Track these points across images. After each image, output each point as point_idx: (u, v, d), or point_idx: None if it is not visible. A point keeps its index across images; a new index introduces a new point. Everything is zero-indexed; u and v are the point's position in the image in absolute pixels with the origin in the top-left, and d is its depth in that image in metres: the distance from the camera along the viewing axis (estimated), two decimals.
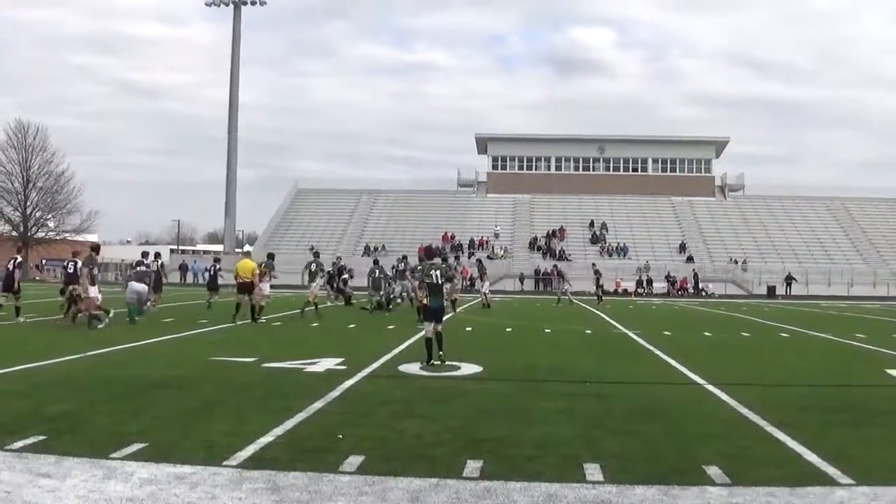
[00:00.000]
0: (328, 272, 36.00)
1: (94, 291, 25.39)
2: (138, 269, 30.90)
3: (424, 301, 18.08)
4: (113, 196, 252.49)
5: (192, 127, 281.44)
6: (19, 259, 30.02)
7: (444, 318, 18.57)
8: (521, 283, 78.72)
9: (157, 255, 36.79)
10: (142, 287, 29.39)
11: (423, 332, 18.46)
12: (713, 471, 8.55)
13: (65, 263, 29.61)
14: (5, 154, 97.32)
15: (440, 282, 18.06)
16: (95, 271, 26.31)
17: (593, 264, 61.96)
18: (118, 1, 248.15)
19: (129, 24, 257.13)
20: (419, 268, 18.99)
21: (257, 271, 31.09)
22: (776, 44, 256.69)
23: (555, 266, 65.37)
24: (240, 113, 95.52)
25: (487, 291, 46.55)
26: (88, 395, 12.92)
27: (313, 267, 33.81)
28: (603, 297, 53.52)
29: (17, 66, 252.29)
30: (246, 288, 30.43)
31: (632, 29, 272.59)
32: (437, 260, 19.48)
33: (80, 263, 28.19)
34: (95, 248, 27.82)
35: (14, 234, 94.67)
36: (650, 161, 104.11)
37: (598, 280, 54.08)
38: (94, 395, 12.95)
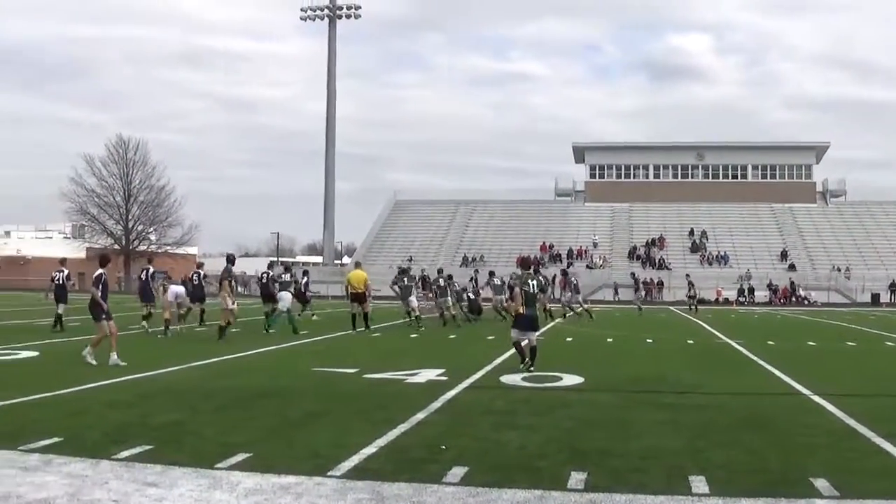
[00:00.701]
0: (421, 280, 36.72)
1: (230, 303, 25.67)
2: (282, 279, 31.56)
3: (521, 310, 18.16)
4: (212, 209, 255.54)
5: (290, 140, 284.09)
6: (152, 269, 30.63)
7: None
8: (616, 293, 77.90)
9: (306, 273, 38.03)
10: (288, 295, 30.20)
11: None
12: (821, 483, 8.39)
13: (190, 275, 30.30)
14: (107, 169, 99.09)
15: (535, 291, 18.33)
16: (233, 283, 26.75)
17: (687, 275, 61.93)
18: (216, 18, 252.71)
19: (226, 40, 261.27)
20: (515, 277, 19.10)
21: (369, 282, 32.02)
22: (876, 45, 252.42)
23: (632, 273, 64.78)
24: (336, 125, 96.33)
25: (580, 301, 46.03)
26: (193, 405, 13.10)
27: (497, 282, 35.52)
28: (697, 307, 53.84)
29: (117, 82, 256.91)
30: (358, 298, 31.02)
31: (728, 33, 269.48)
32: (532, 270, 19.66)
33: (202, 274, 29.13)
34: (231, 259, 28.25)
35: (116, 247, 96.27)
36: (749, 167, 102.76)
37: (691, 289, 54.05)
38: (198, 405, 13.13)
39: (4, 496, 7.62)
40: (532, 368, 17.79)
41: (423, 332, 30.24)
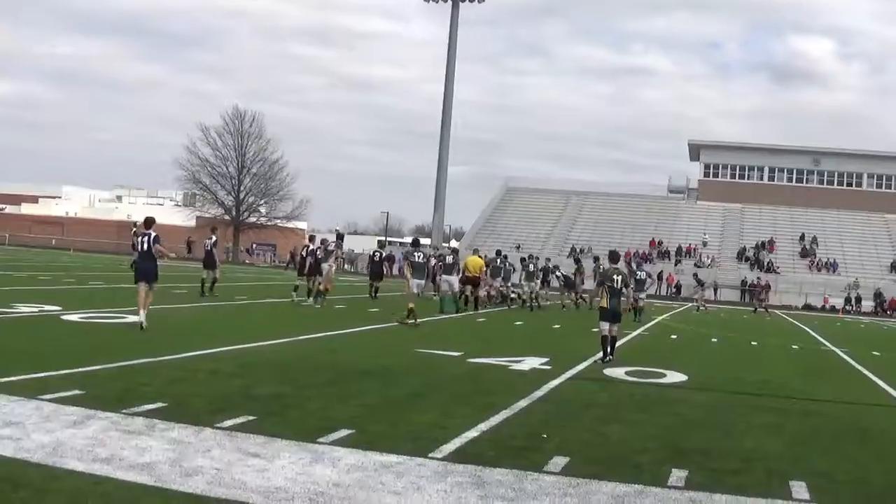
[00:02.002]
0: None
1: (414, 286, 25.70)
2: (446, 261, 32.57)
3: (604, 304, 18.47)
4: (323, 185, 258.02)
5: (406, 121, 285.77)
6: (311, 247, 30.96)
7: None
8: (715, 294, 76.43)
9: (455, 252, 38.80)
10: (454, 279, 31.43)
11: (626, 337, 18.50)
12: None
13: (313, 250, 30.77)
14: (222, 139, 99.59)
15: (620, 286, 18.59)
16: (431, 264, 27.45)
17: (758, 277, 62.27)
18: None
19: (348, 17, 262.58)
20: (600, 271, 19.30)
21: (485, 268, 33.94)
22: None
23: (694, 274, 64.19)
24: (453, 108, 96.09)
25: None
26: (297, 378, 13.25)
27: (531, 267, 37.12)
28: (765, 309, 56.99)
29: (237, 54, 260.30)
30: (471, 282, 32.84)
31: (853, 40, 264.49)
32: (621, 265, 19.87)
33: (331, 247, 30.11)
34: (416, 242, 28.63)
35: (226, 217, 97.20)
36: (865, 176, 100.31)
37: (762, 293, 55.55)
38: (302, 379, 13.28)
39: (108, 458, 7.76)
40: (611, 357, 18.19)
41: (528, 320, 30.20)
